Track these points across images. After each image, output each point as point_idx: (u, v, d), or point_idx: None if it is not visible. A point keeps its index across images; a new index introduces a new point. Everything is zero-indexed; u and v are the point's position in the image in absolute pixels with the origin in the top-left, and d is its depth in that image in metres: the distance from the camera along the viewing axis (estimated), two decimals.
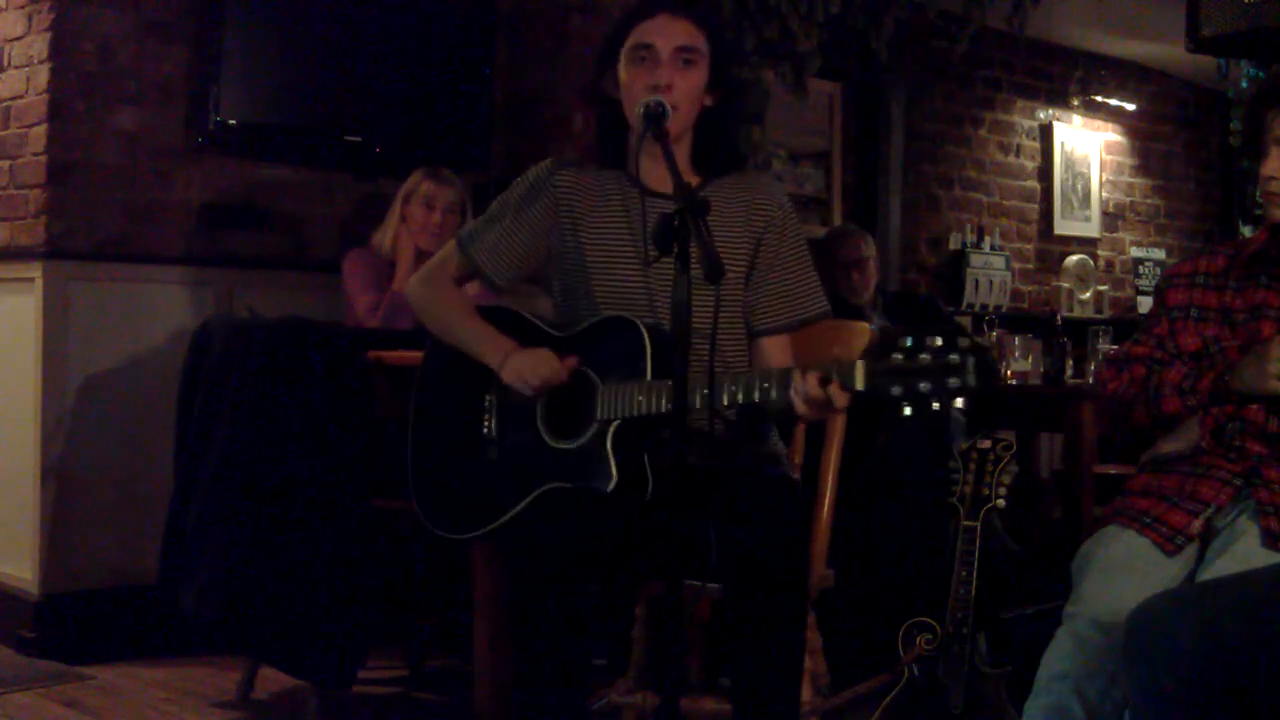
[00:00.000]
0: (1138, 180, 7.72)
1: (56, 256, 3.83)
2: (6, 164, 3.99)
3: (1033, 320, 6.23)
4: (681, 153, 2.43)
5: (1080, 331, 4.93)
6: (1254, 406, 2.31)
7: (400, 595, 3.71)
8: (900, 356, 1.90)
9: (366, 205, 4.26)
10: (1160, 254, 7.73)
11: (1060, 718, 2.25)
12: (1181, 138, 7.90)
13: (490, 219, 2.57)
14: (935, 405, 1.87)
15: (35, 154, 3.87)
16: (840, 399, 2.03)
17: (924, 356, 1.88)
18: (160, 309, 3.99)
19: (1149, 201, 7.78)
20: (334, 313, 3.85)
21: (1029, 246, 7.06)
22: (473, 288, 2.76)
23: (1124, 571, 2.25)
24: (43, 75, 3.85)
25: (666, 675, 2.14)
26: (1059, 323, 4.77)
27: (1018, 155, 7.01)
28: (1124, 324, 6.18)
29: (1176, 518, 2.29)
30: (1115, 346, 3.94)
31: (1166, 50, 6.69)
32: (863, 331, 2.62)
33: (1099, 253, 7.39)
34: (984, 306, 6.54)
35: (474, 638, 2.84)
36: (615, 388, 2.29)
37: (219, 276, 4.09)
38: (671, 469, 1.98)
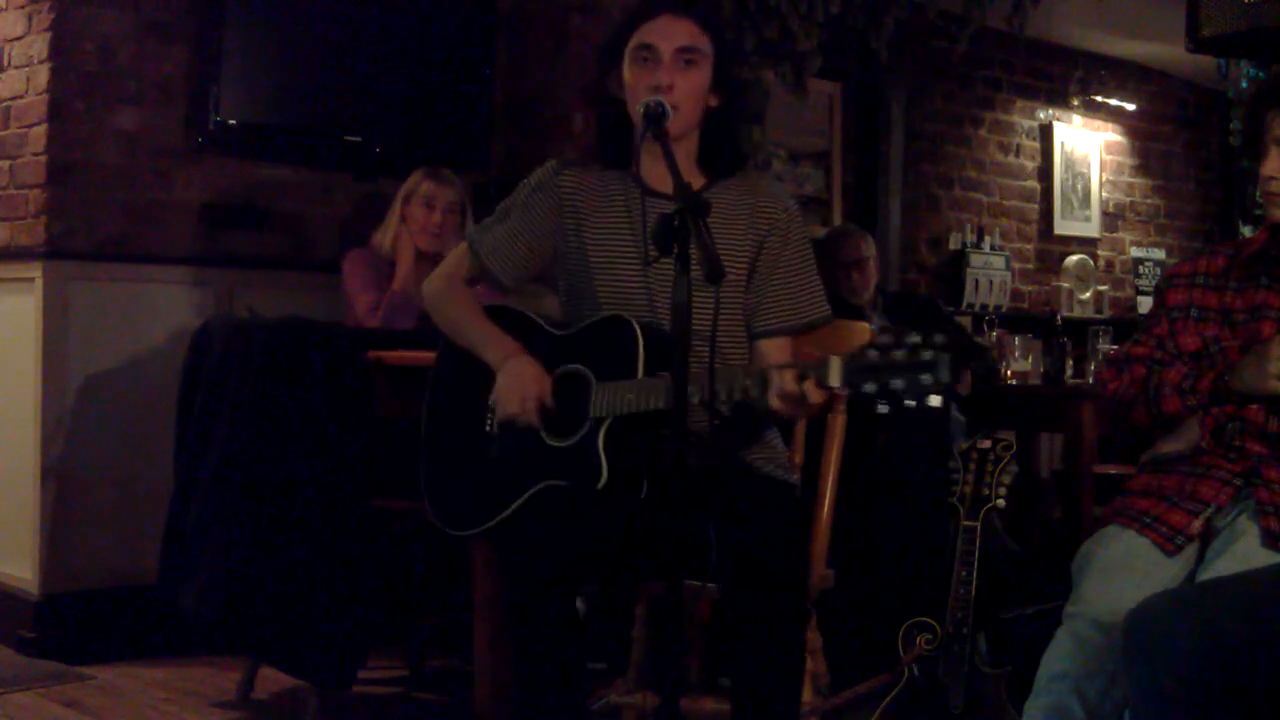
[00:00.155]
0: (1138, 180, 7.71)
1: (56, 256, 3.83)
2: (6, 164, 3.99)
3: (1033, 320, 6.23)
4: (687, 153, 2.44)
5: (1080, 331, 4.94)
6: (1254, 406, 2.31)
7: (400, 595, 3.72)
8: (875, 354, 1.90)
9: (366, 205, 4.26)
10: (1160, 254, 7.72)
11: (1060, 718, 2.25)
12: (1181, 138, 7.89)
13: (497, 220, 2.59)
14: (910, 403, 1.87)
15: (35, 154, 3.87)
16: (815, 395, 2.04)
17: (898, 353, 1.88)
18: (160, 309, 3.99)
19: (1149, 201, 7.78)
20: (334, 313, 3.85)
21: (1029, 246, 7.05)
22: (481, 287, 2.77)
23: (1124, 571, 2.25)
24: (43, 75, 3.85)
25: (666, 675, 2.14)
26: (1059, 323, 4.78)
27: (1018, 155, 7.01)
28: (1124, 324, 6.19)
29: (1176, 518, 2.29)
30: (1115, 347, 3.95)
31: (1166, 50, 6.69)
32: (863, 332, 2.61)
33: (1099, 253, 7.39)
34: (984, 306, 6.54)
35: (474, 638, 2.84)
36: (608, 386, 2.30)
37: (219, 276, 4.09)
38: (672, 469, 1.97)
